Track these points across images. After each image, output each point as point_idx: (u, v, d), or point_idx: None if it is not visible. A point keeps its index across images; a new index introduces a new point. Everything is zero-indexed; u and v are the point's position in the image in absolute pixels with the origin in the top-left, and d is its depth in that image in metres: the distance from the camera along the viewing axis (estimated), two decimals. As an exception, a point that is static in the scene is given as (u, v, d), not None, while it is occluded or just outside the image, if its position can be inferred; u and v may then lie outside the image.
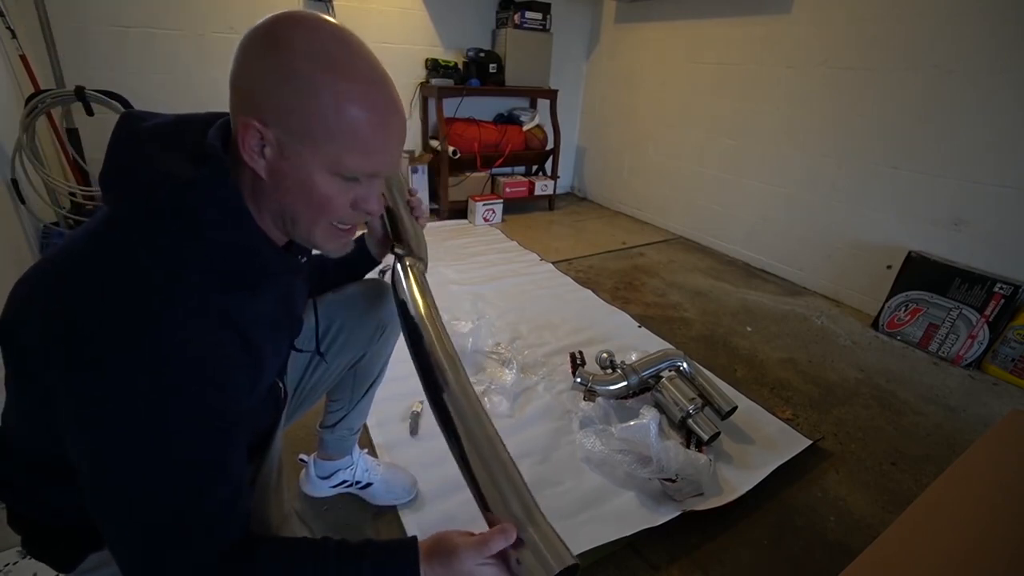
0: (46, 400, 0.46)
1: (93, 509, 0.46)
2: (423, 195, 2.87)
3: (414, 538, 0.54)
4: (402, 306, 0.78)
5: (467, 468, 0.59)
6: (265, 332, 0.57)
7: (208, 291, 0.48)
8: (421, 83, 2.96)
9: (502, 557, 0.53)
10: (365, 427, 1.12)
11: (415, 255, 0.87)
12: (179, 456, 0.45)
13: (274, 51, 0.46)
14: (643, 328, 1.91)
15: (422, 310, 0.75)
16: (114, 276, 0.45)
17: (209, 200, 0.49)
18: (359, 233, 0.93)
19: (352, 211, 0.55)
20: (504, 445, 0.61)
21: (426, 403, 1.39)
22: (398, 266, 0.85)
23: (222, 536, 0.48)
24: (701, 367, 1.54)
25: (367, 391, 1.01)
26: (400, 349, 1.03)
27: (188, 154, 0.50)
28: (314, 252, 0.67)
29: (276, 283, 0.60)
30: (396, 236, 0.89)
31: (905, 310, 1.96)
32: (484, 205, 2.97)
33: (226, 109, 0.53)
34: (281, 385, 0.73)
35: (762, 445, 1.34)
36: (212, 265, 0.49)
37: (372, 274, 0.97)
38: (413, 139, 3.09)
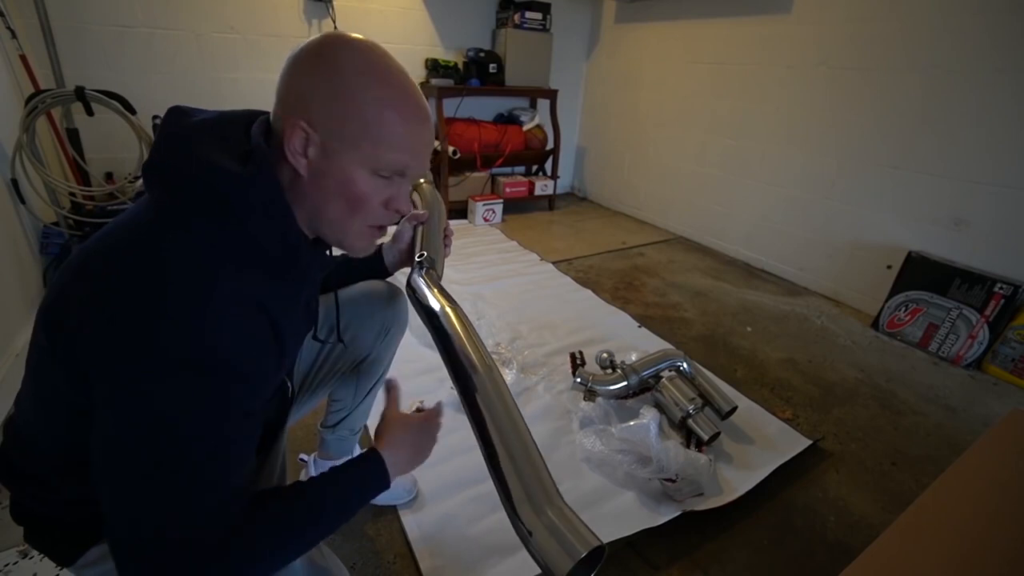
0: (79, 384, 0.47)
1: (103, 487, 0.47)
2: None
3: (370, 448, 0.65)
4: (430, 312, 0.80)
5: (496, 467, 0.61)
6: (290, 323, 0.59)
7: (246, 280, 0.51)
8: (421, 83, 2.96)
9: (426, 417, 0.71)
10: (365, 427, 1.13)
11: (435, 268, 0.90)
12: (208, 435, 0.47)
13: (323, 63, 0.53)
14: (643, 328, 1.91)
15: (453, 318, 0.77)
16: (159, 262, 0.47)
17: (254, 194, 0.51)
18: (380, 241, 0.95)
19: (384, 211, 0.59)
20: (536, 447, 0.64)
21: (427, 403, 1.39)
22: (422, 275, 0.86)
23: (227, 517, 0.49)
24: (701, 367, 1.54)
25: (369, 391, 1.01)
26: (402, 349, 1.03)
27: (234, 149, 0.53)
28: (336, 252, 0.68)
29: (305, 277, 0.62)
30: (425, 249, 0.93)
31: (905, 310, 1.96)
32: (484, 205, 2.97)
33: (227, 107, 0.58)
34: (288, 383, 0.74)
35: (762, 445, 1.34)
36: (252, 256, 0.52)
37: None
38: (413, 139, 3.09)
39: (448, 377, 0.74)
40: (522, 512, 0.56)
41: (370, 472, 0.62)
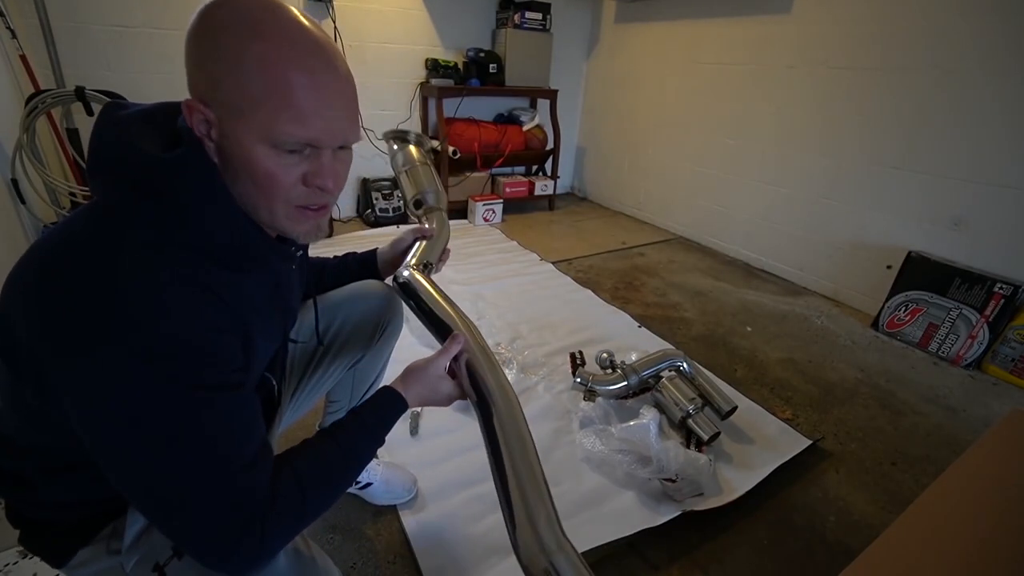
0: (42, 389, 0.47)
1: (119, 485, 0.47)
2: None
3: (388, 387, 0.69)
4: (430, 315, 0.85)
5: (504, 486, 0.65)
6: (255, 315, 0.56)
7: (194, 267, 0.48)
8: (421, 83, 2.96)
9: (454, 373, 0.74)
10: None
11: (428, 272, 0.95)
12: (188, 421, 0.46)
13: (203, 30, 0.47)
14: (643, 328, 1.91)
15: (457, 320, 0.83)
16: (100, 260, 0.45)
17: (185, 178, 0.49)
18: (376, 248, 0.97)
19: (305, 188, 0.53)
20: (540, 464, 0.68)
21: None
22: (419, 276, 0.88)
23: (260, 475, 0.50)
24: (701, 367, 1.54)
25: (366, 392, 1.01)
26: (399, 350, 1.03)
27: (164, 137, 0.51)
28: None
29: (265, 268, 0.59)
30: (423, 258, 0.96)
31: (905, 310, 1.96)
32: (484, 205, 2.97)
33: None
34: (274, 383, 0.73)
35: (762, 445, 1.34)
36: (195, 243, 0.49)
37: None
38: (413, 139, 3.09)
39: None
40: (525, 546, 0.60)
41: (391, 403, 0.67)
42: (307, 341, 0.86)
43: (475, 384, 0.74)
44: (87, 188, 1.97)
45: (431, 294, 0.87)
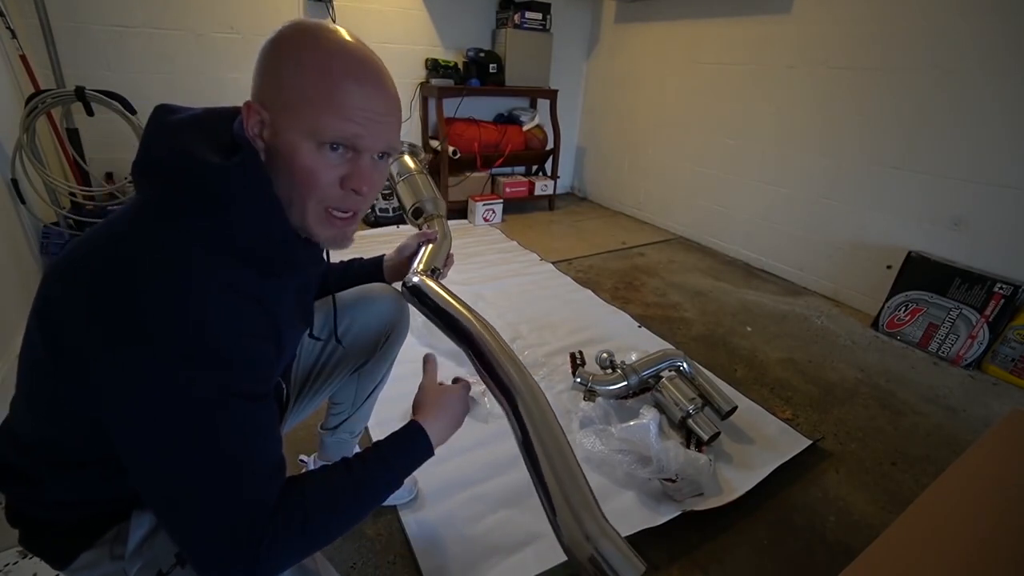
0: (81, 378, 0.48)
1: (138, 481, 0.47)
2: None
3: (411, 420, 0.65)
4: (446, 317, 0.85)
5: (539, 478, 0.65)
6: (286, 318, 0.59)
7: (242, 274, 0.51)
8: (421, 83, 2.96)
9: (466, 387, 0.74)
10: (366, 428, 1.13)
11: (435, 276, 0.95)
12: (216, 425, 0.47)
13: (275, 44, 0.53)
14: (643, 328, 1.91)
15: (475, 321, 0.83)
16: (153, 255, 0.47)
17: (239, 185, 0.51)
18: (383, 254, 0.98)
19: (341, 191, 0.55)
20: (573, 452, 0.67)
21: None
22: (429, 281, 0.90)
23: (270, 489, 0.50)
24: (701, 367, 1.54)
25: (370, 395, 1.01)
26: (402, 349, 1.03)
27: (219, 144, 0.54)
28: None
29: (298, 273, 0.62)
30: (430, 263, 0.97)
31: (905, 310, 1.96)
32: (484, 205, 2.97)
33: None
34: (284, 386, 0.74)
35: (762, 445, 1.34)
36: (242, 249, 0.52)
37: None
38: (414, 139, 3.09)
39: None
40: (568, 533, 0.61)
41: (414, 443, 0.63)
42: (326, 339, 0.86)
43: (498, 380, 0.74)
44: (87, 188, 1.98)
45: (444, 298, 0.87)
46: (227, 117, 0.57)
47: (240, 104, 0.58)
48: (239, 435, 0.48)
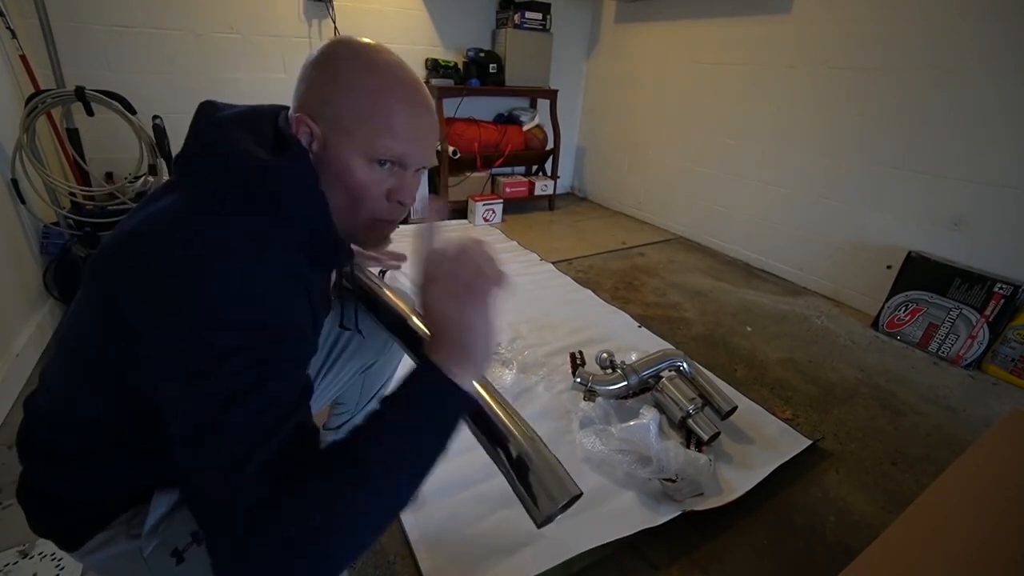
0: (131, 353, 0.48)
1: (186, 456, 0.44)
2: (424, 192, 2.87)
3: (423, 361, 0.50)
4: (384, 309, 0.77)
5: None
6: (319, 307, 0.62)
7: (292, 259, 0.54)
8: (421, 83, 2.95)
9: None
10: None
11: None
12: (271, 388, 0.46)
13: (323, 61, 0.57)
14: (643, 328, 1.91)
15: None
16: (209, 238, 0.48)
17: (290, 180, 0.54)
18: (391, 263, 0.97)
19: (388, 204, 0.60)
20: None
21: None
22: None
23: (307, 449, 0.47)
24: (701, 367, 1.54)
25: (374, 396, 1.01)
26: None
27: (267, 140, 0.57)
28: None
29: (331, 264, 0.65)
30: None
31: (905, 310, 1.96)
32: (484, 205, 2.97)
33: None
34: None
35: (762, 445, 1.34)
36: (294, 237, 0.54)
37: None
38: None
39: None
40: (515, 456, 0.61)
41: (436, 407, 0.49)
42: (350, 327, 0.87)
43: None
44: (87, 188, 1.97)
45: (375, 287, 0.79)
46: (268, 116, 0.60)
47: (243, 104, 0.61)
48: (291, 395, 0.47)
